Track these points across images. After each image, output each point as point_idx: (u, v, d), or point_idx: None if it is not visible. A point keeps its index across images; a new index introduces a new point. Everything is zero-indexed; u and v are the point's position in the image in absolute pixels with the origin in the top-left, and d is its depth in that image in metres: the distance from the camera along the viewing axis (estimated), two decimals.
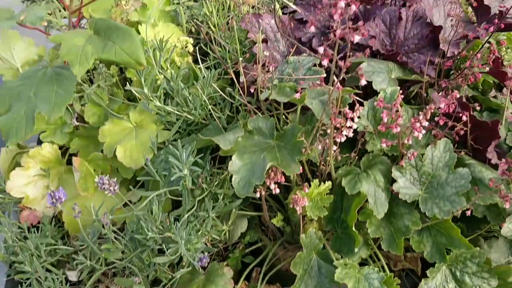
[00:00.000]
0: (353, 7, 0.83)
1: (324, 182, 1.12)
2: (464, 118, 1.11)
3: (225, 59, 1.42)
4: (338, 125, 1.00)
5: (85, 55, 1.01)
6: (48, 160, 1.37)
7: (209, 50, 1.47)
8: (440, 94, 1.23)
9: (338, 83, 0.94)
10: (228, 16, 1.57)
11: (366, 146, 1.18)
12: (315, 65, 1.17)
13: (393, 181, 1.11)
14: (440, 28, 1.21)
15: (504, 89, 1.28)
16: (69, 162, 1.39)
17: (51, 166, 1.38)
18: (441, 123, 1.13)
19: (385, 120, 1.02)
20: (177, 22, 1.57)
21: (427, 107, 1.05)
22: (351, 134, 1.03)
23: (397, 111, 1.07)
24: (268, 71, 1.16)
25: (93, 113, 1.36)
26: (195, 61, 1.43)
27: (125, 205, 1.24)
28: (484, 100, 1.31)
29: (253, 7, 1.42)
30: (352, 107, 1.03)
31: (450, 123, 1.13)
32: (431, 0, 1.32)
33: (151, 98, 1.19)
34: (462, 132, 1.15)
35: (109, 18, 1.07)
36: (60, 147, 1.40)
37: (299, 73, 1.19)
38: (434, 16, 1.31)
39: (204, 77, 1.26)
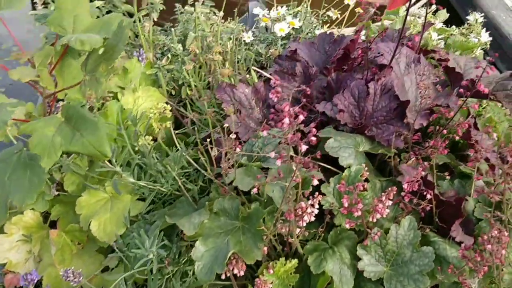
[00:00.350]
0: (301, 117, 0.85)
1: (292, 258, 1.14)
2: (428, 196, 1.12)
3: (201, 126, 1.45)
4: (299, 212, 1.02)
5: (54, 147, 1.05)
6: (30, 225, 1.41)
7: (188, 114, 1.50)
8: (408, 164, 1.24)
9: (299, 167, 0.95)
10: (208, 77, 1.60)
11: (334, 220, 1.19)
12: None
13: (359, 258, 1.12)
14: (407, 102, 1.23)
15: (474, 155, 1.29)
16: (52, 225, 1.43)
17: (33, 231, 1.41)
18: (406, 199, 1.14)
19: (346, 205, 1.04)
20: (158, 84, 1.61)
21: (389, 189, 1.07)
22: (313, 218, 1.05)
23: (360, 193, 1.08)
24: (237, 146, 1.19)
25: (72, 181, 1.40)
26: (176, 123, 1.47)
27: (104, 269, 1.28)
28: (456, 166, 1.32)
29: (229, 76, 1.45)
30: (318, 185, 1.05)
31: (415, 200, 1.14)
32: (402, 67, 1.34)
33: (123, 175, 1.22)
34: (428, 208, 1.16)
35: (80, 106, 1.10)
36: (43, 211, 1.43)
37: (268, 149, 1.21)
38: (406, 83, 1.33)
39: (177, 149, 1.29)
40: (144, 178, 1.30)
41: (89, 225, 1.28)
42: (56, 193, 1.39)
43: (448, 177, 1.27)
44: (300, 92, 1.41)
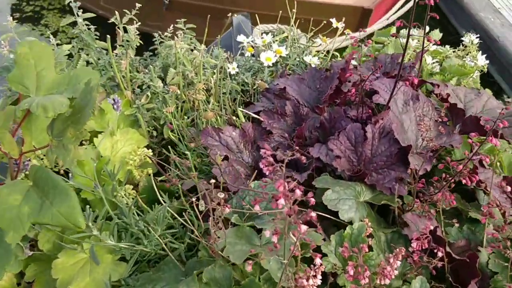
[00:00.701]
0: (298, 192, 0.74)
1: None
2: (439, 254, 1.02)
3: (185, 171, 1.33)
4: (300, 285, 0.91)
5: (20, 220, 0.92)
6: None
7: (170, 155, 1.39)
8: (413, 215, 1.15)
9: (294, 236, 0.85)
10: (192, 115, 1.49)
11: (337, 279, 1.09)
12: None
13: None
14: (409, 147, 1.13)
15: (486, 200, 1.20)
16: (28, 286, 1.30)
17: None
18: (416, 257, 1.04)
19: (351, 273, 0.94)
20: (138, 125, 1.49)
21: (397, 250, 0.97)
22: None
23: (365, 255, 0.98)
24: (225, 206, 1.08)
25: (47, 239, 1.27)
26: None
27: None
28: (465, 210, 1.23)
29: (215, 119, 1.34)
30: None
31: (425, 257, 1.04)
32: (399, 105, 1.24)
33: (101, 238, 1.10)
34: (439, 265, 1.06)
35: (49, 170, 0.98)
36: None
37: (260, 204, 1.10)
38: (405, 122, 1.23)
39: (160, 204, 1.17)
40: (125, 237, 1.18)
41: None
42: (30, 253, 1.27)
43: (457, 224, 1.18)
44: (291, 134, 1.30)
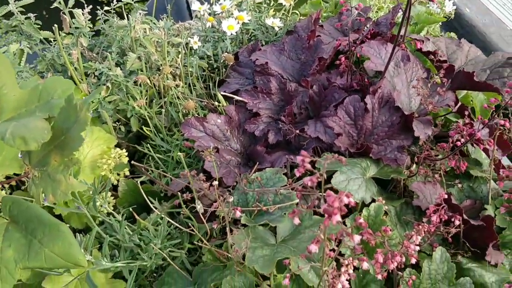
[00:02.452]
0: (345, 199, 0.66)
1: None
2: (456, 222, 0.99)
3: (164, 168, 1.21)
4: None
5: (7, 267, 0.78)
6: None
7: (149, 152, 1.25)
8: (418, 183, 1.11)
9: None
10: (159, 102, 1.34)
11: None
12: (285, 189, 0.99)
13: None
14: (411, 115, 1.07)
15: (485, 156, 1.19)
16: None
17: None
18: (433, 229, 1.01)
19: (381, 260, 0.88)
20: (102, 121, 1.32)
21: (419, 227, 0.93)
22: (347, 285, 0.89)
23: (389, 237, 0.94)
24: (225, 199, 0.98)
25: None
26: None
27: None
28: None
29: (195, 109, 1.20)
30: None
31: (442, 228, 1.01)
32: (391, 70, 1.17)
33: (93, 262, 0.97)
34: (454, 232, 1.04)
35: (28, 202, 0.83)
36: None
37: (267, 195, 1.02)
38: (397, 85, 1.17)
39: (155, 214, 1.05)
40: (119, 254, 1.06)
41: None
42: None
43: (459, 185, 1.16)
44: (279, 113, 1.21)
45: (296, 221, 0.72)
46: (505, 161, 1.34)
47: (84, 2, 1.31)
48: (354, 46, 1.17)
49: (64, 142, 0.73)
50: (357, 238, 0.69)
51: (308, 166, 0.73)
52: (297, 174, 0.69)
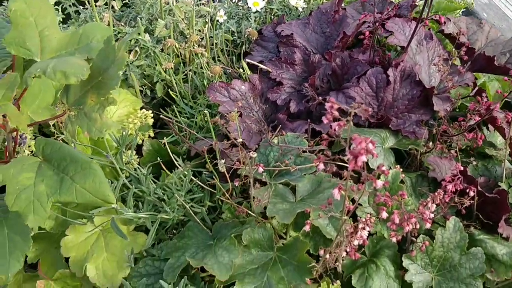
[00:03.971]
0: (371, 146, 0.69)
1: (331, 279, 1.02)
2: (471, 193, 1.03)
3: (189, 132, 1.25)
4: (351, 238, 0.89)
5: (39, 200, 0.82)
6: None
7: (171, 119, 1.29)
8: (435, 157, 1.14)
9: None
10: (185, 70, 1.38)
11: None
12: (305, 151, 1.03)
13: (404, 269, 1.02)
14: (432, 88, 1.10)
15: (500, 139, 1.21)
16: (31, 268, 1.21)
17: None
18: (447, 199, 1.04)
19: (397, 221, 0.92)
20: (128, 84, 1.37)
21: (435, 194, 0.96)
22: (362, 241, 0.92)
23: (405, 201, 0.97)
24: (250, 158, 1.02)
25: (49, 215, 1.16)
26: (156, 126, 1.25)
27: None
28: (478, 148, 1.24)
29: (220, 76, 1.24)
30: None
31: (457, 198, 1.04)
32: (413, 47, 1.20)
33: (117, 211, 1.01)
34: (469, 203, 1.07)
35: (61, 142, 0.87)
36: None
37: (288, 157, 1.05)
38: (419, 62, 1.20)
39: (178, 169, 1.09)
40: (142, 207, 1.10)
41: (85, 270, 1.08)
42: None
43: (474, 162, 1.19)
44: (301, 83, 1.24)
45: (321, 166, 0.76)
46: None
47: None
48: (378, 21, 1.20)
49: (101, 82, 0.77)
50: (380, 183, 0.73)
51: (336, 114, 0.77)
52: (325, 121, 0.73)
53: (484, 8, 3.30)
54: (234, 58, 1.49)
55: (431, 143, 1.16)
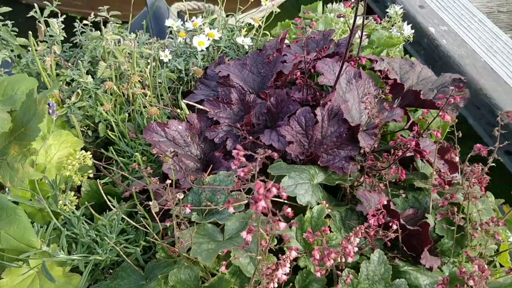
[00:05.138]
0: (274, 190, 0.73)
1: None
2: (394, 226, 1.07)
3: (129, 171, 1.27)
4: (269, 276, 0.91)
5: None
6: None
7: (113, 155, 1.31)
8: (364, 190, 1.18)
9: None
10: (127, 109, 1.41)
11: (298, 261, 1.10)
12: (233, 190, 1.06)
13: None
14: (358, 126, 1.15)
15: (424, 167, 1.27)
16: None
17: None
18: (372, 233, 1.08)
19: (317, 257, 0.95)
20: (71, 125, 1.39)
21: (356, 228, 0.99)
22: (285, 277, 0.95)
23: (328, 236, 1.00)
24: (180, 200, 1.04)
25: None
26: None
27: None
28: (408, 180, 1.29)
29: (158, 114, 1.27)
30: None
31: (381, 231, 1.08)
32: (343, 86, 1.26)
33: (50, 254, 1.02)
34: (393, 236, 1.11)
35: None
36: None
37: (218, 196, 1.08)
38: (349, 101, 1.26)
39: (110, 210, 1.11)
40: (75, 248, 1.11)
41: None
42: None
43: (403, 195, 1.23)
44: (238, 122, 1.28)
45: (249, 238, 0.79)
46: None
47: (59, 12, 1.39)
48: (309, 63, 1.26)
49: (23, 133, 0.79)
50: (282, 225, 0.76)
51: (243, 159, 0.80)
52: (233, 167, 0.77)
53: (443, 35, 3.43)
54: (179, 95, 1.52)
55: (358, 175, 1.21)
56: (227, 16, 1.86)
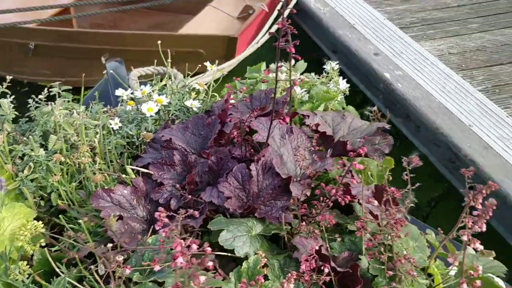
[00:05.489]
0: (194, 246, 0.81)
1: None
2: (326, 270, 1.14)
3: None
4: None
5: None
6: None
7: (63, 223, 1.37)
8: (301, 237, 1.26)
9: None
10: (79, 177, 1.48)
11: None
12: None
13: None
14: (289, 178, 1.25)
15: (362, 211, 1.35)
16: None
17: None
18: (307, 277, 1.14)
19: None
20: (24, 197, 1.45)
21: (288, 275, 1.06)
22: None
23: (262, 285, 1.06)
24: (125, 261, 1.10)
25: None
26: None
27: None
28: (344, 224, 1.37)
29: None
30: None
31: (315, 275, 1.15)
32: (277, 141, 1.36)
33: None
34: (327, 279, 1.18)
35: None
36: None
37: (160, 255, 1.14)
38: (284, 155, 1.36)
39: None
40: None
41: None
42: None
43: (339, 239, 1.31)
44: (182, 182, 1.36)
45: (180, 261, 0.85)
46: None
47: (9, 92, 1.48)
48: (244, 122, 1.37)
49: None
50: (202, 278, 0.83)
51: (166, 220, 0.88)
52: (157, 228, 0.84)
53: (399, 79, 3.61)
54: (130, 160, 1.61)
55: (297, 222, 1.29)
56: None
